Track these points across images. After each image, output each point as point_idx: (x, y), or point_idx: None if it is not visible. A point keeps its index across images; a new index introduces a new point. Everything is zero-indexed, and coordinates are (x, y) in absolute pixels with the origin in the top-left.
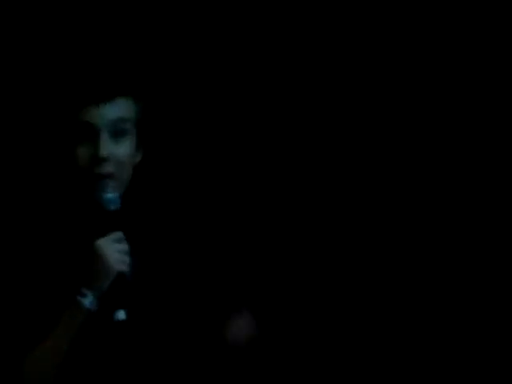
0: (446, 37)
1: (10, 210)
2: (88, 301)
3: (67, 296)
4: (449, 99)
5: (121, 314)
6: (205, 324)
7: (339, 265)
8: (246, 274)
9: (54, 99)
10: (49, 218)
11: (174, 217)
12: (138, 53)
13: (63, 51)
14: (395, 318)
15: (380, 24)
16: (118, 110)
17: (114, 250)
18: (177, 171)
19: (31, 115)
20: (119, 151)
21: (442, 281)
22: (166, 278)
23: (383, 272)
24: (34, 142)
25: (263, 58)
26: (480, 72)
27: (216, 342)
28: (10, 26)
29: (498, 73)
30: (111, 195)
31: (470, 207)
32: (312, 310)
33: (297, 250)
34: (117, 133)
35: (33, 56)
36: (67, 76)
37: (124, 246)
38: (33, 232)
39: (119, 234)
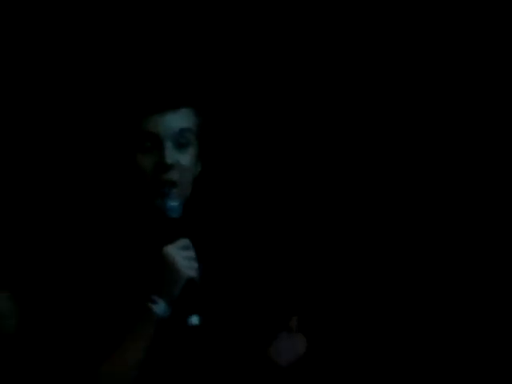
0: (446, 37)
1: (75, 219)
2: (160, 308)
3: (137, 304)
4: (449, 99)
5: (194, 319)
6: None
7: (342, 266)
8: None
9: (119, 107)
10: (113, 226)
11: (232, 224)
12: (200, 63)
13: (130, 60)
14: (395, 317)
15: (380, 24)
16: (180, 120)
17: (182, 257)
18: (234, 181)
19: (95, 122)
20: (182, 160)
21: (441, 281)
22: (230, 282)
23: (383, 272)
24: (96, 150)
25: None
26: (480, 72)
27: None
28: (71, 31)
29: (498, 73)
30: (174, 203)
31: (470, 207)
32: (312, 309)
33: (300, 250)
34: (180, 143)
35: (100, 62)
36: (133, 85)
37: (191, 253)
38: (99, 241)
39: (186, 241)
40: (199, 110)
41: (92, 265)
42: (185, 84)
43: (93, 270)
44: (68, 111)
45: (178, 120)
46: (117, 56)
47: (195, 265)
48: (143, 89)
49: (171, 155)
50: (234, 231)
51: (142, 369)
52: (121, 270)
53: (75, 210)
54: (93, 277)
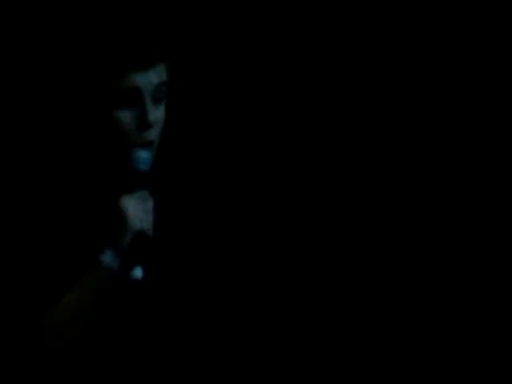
0: (446, 37)
1: (34, 160)
2: (108, 257)
3: (89, 253)
4: (449, 99)
5: (137, 272)
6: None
7: (339, 265)
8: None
9: (97, 61)
10: (76, 173)
11: (194, 184)
12: (174, 16)
13: (110, 14)
14: (395, 317)
15: (380, 24)
16: (159, 74)
17: (137, 208)
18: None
19: (71, 78)
20: (160, 116)
21: (441, 281)
22: (183, 241)
23: (383, 272)
24: (70, 104)
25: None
26: (480, 72)
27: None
28: None
29: (498, 73)
30: (146, 154)
31: (470, 207)
32: (312, 309)
33: (297, 248)
34: (156, 98)
35: (78, 18)
36: (113, 38)
37: (148, 205)
38: (57, 185)
39: (144, 193)
40: (171, 64)
41: (44, 207)
42: (162, 37)
43: (44, 213)
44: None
45: (158, 74)
46: (96, 10)
47: (149, 218)
48: (125, 42)
49: (152, 112)
50: (197, 194)
51: (86, 321)
52: (73, 220)
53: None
54: (43, 220)
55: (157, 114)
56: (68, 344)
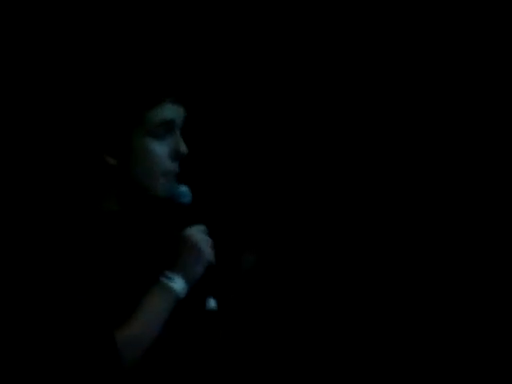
0: (446, 37)
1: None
2: (179, 285)
3: (146, 281)
4: (449, 99)
5: (212, 303)
6: None
7: (339, 264)
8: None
9: (138, 92)
10: (124, 215)
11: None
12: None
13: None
14: (395, 317)
15: (380, 24)
16: (183, 109)
17: (205, 241)
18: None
19: (111, 112)
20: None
21: (441, 281)
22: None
23: (383, 272)
24: (108, 137)
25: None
26: (480, 72)
27: None
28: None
29: (498, 73)
30: (185, 188)
31: (470, 207)
32: (311, 309)
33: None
34: (180, 132)
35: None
36: (152, 73)
37: (209, 239)
38: (114, 225)
39: (203, 227)
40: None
41: (110, 250)
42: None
43: (111, 256)
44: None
45: (183, 109)
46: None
47: (213, 251)
48: (166, 77)
49: (184, 144)
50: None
51: (156, 345)
52: (133, 252)
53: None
54: (112, 262)
55: (185, 146)
56: (136, 364)
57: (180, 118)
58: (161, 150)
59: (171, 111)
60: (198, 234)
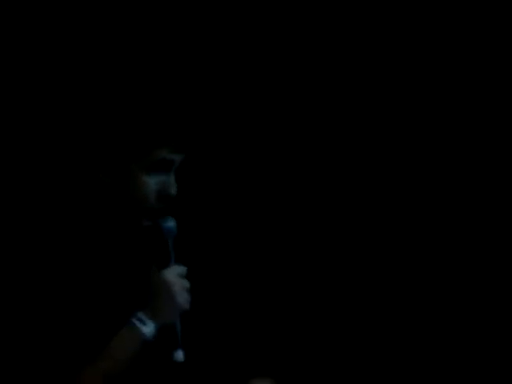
0: (446, 37)
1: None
2: (149, 329)
3: (126, 318)
4: (449, 99)
5: (179, 355)
6: None
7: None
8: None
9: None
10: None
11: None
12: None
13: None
14: (395, 317)
15: (380, 24)
16: (181, 157)
17: (182, 287)
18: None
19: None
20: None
21: (441, 281)
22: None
23: (383, 272)
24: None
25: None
26: (480, 72)
27: None
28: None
29: (498, 73)
30: (172, 223)
31: (470, 207)
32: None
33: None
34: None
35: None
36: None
37: (187, 283)
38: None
39: (183, 269)
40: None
41: (85, 274)
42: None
43: (86, 279)
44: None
45: (180, 157)
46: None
47: (189, 297)
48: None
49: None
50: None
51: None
52: (115, 283)
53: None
54: (86, 285)
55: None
56: None
57: (177, 159)
58: (152, 185)
59: (168, 154)
60: (175, 276)
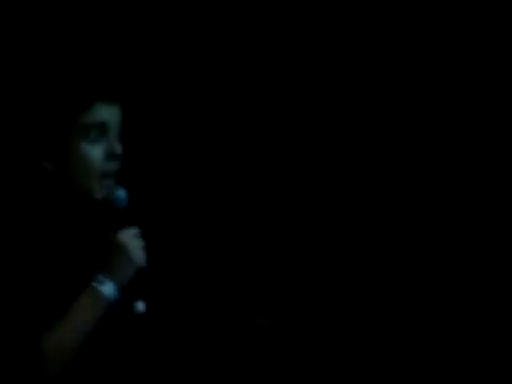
0: (446, 37)
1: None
2: (109, 289)
3: (84, 285)
4: (449, 99)
5: (140, 306)
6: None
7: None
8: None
9: (65, 94)
10: (57, 217)
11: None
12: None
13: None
14: (395, 317)
15: (380, 24)
16: (119, 112)
17: (135, 245)
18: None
19: (41, 116)
20: (121, 150)
21: (441, 281)
22: (175, 271)
23: (383, 272)
24: (41, 141)
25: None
26: (480, 72)
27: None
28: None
29: (498, 73)
30: (122, 193)
31: (470, 207)
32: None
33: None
34: (117, 134)
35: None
36: (82, 74)
37: (142, 242)
38: (46, 227)
39: (136, 230)
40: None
41: (38, 251)
42: (122, 79)
43: (39, 256)
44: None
45: (118, 111)
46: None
47: (144, 254)
48: (92, 79)
49: (118, 145)
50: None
51: (84, 349)
52: (68, 256)
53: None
54: (39, 261)
55: (120, 146)
56: (64, 369)
57: (114, 118)
58: (95, 152)
59: (103, 113)
60: (129, 237)
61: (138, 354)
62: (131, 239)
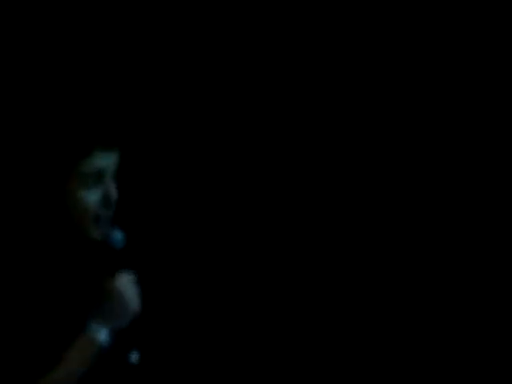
0: (446, 37)
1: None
2: (103, 336)
3: (78, 330)
4: (449, 99)
5: (135, 357)
6: None
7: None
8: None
9: (65, 142)
10: (54, 260)
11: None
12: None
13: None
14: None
15: (380, 24)
16: (114, 158)
17: (132, 293)
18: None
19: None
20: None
21: (441, 281)
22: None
23: (383, 272)
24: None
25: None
26: (480, 72)
27: None
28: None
29: (498, 73)
30: (120, 235)
31: (470, 207)
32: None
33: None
34: (112, 179)
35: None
36: (83, 122)
37: (138, 289)
38: (43, 269)
39: (133, 276)
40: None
41: (34, 291)
42: (120, 126)
43: (34, 298)
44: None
45: (114, 157)
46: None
47: (140, 302)
48: (91, 128)
49: (115, 190)
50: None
51: None
52: (64, 299)
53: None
54: (34, 303)
55: (116, 191)
56: None
57: (111, 164)
58: (92, 198)
59: (100, 160)
60: (125, 284)
61: None
62: (127, 286)
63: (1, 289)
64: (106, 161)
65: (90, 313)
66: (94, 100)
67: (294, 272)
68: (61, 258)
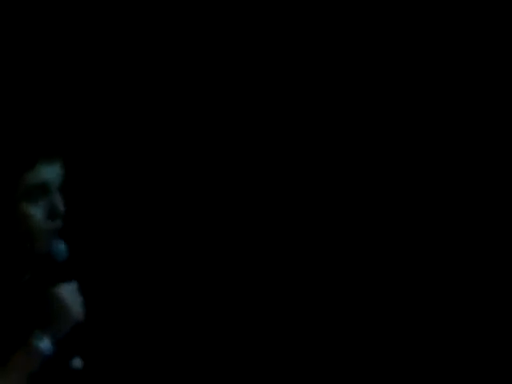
0: (446, 37)
1: None
2: (45, 345)
3: (19, 339)
4: (449, 99)
5: (77, 362)
6: None
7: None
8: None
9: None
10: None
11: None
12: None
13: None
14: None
15: (380, 24)
16: (59, 169)
17: (74, 300)
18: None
19: None
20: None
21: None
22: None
23: (383, 272)
24: None
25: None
26: (480, 72)
27: None
28: None
29: (498, 73)
30: (62, 246)
31: (470, 207)
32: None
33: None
34: (58, 191)
35: None
36: (23, 133)
37: (80, 297)
38: None
39: (75, 285)
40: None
41: None
42: (64, 135)
43: None
44: None
45: (59, 169)
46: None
47: (82, 309)
48: (34, 140)
49: (60, 203)
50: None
51: None
52: (6, 309)
53: None
54: None
55: (62, 204)
56: None
57: (56, 176)
58: (38, 211)
59: (44, 173)
60: (67, 292)
61: None
62: (69, 294)
63: None
64: (50, 173)
65: (33, 322)
66: (35, 111)
67: (294, 272)
68: (3, 270)
